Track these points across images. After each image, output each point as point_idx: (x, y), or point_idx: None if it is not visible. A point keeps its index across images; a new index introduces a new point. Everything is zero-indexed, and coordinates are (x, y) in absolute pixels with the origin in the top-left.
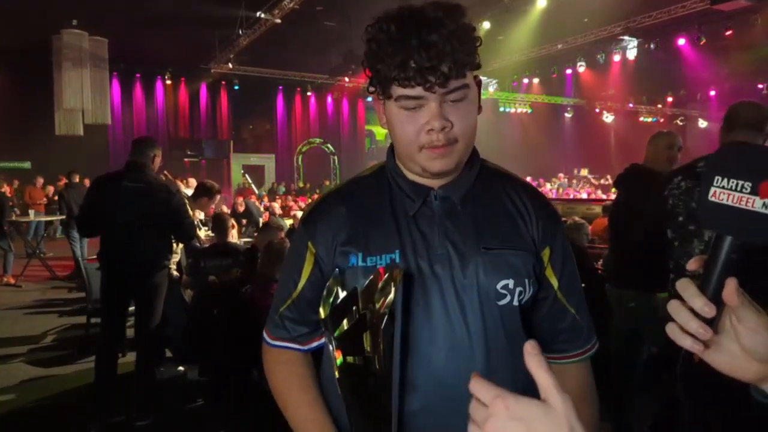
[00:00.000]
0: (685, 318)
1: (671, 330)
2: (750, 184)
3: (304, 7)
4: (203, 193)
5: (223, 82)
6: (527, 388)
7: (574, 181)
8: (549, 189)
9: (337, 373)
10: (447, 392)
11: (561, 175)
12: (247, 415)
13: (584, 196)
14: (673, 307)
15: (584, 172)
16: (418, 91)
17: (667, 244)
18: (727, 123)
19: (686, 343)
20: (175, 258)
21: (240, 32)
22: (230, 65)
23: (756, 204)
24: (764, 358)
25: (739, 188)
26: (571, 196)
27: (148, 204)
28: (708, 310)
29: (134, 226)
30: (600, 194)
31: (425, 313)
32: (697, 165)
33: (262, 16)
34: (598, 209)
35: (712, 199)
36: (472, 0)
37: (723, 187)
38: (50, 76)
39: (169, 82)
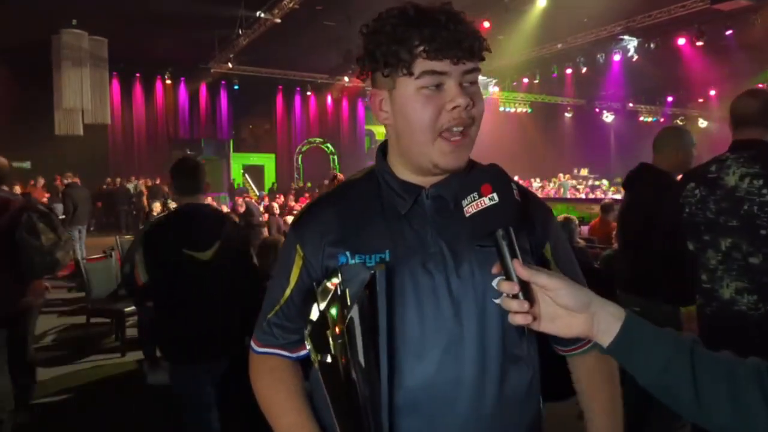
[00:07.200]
0: (506, 302)
1: (510, 313)
2: (476, 193)
3: (304, 7)
4: None
5: (223, 82)
6: (516, 388)
7: (574, 182)
8: (551, 188)
9: (320, 376)
10: (438, 392)
11: (561, 175)
12: (245, 415)
13: (583, 196)
14: (503, 300)
15: (584, 172)
16: (444, 64)
17: (689, 256)
18: (732, 121)
19: (518, 319)
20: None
21: (240, 32)
22: (230, 65)
23: (486, 202)
24: (579, 308)
25: (473, 199)
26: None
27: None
28: (513, 288)
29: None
30: (598, 194)
31: (417, 311)
32: (708, 171)
33: (262, 15)
34: (598, 209)
35: (468, 214)
36: (472, 0)
37: (467, 204)
38: (50, 75)
39: (168, 81)
